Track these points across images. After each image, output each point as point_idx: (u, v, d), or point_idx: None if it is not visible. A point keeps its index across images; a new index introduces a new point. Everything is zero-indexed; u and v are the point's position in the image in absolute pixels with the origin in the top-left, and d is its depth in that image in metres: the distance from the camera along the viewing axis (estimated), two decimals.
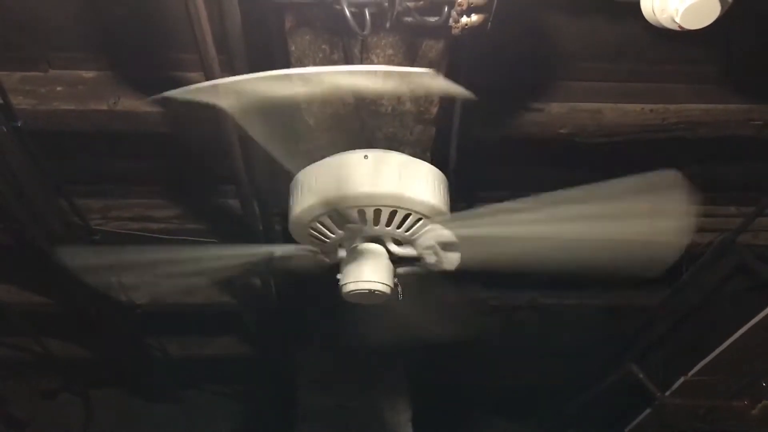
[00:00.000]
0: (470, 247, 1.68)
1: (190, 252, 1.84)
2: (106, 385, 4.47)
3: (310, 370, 3.33)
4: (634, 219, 1.52)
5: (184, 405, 4.51)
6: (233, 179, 2.17)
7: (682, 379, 3.48)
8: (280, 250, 1.83)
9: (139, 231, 2.63)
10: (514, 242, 1.58)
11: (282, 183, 1.79)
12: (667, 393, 3.62)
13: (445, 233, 1.64)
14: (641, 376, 3.65)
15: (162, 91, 2.00)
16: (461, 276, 1.93)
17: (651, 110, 2.15)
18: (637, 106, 2.14)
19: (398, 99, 1.66)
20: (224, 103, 1.33)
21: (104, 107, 1.99)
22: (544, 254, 1.65)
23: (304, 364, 3.36)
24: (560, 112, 2.13)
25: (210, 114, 1.81)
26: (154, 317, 3.40)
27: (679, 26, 1.45)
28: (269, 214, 2.44)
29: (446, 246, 1.67)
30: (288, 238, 1.84)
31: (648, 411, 3.88)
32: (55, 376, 4.25)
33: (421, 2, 1.42)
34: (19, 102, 1.96)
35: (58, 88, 2.01)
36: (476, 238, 1.63)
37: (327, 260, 1.84)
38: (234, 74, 1.73)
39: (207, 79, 1.75)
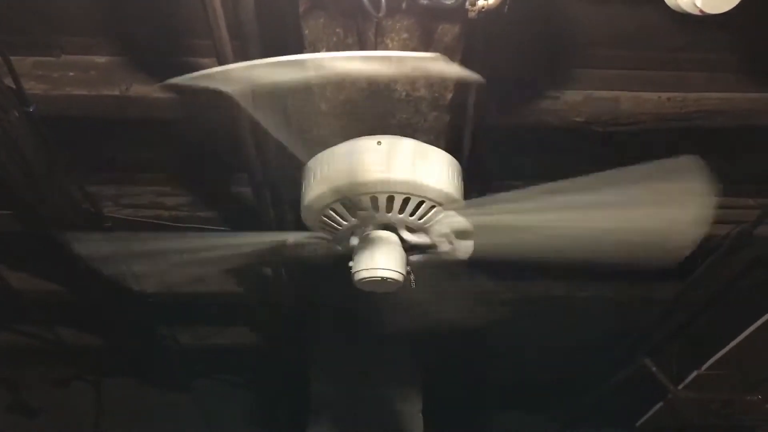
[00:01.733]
0: (484, 236, 1.66)
1: (202, 240, 1.84)
2: (118, 374, 4.49)
3: (322, 360, 3.32)
4: (649, 207, 1.50)
5: (196, 394, 4.52)
6: (245, 167, 2.15)
7: (695, 373, 3.45)
8: (292, 237, 1.82)
9: (151, 218, 2.63)
10: (528, 231, 1.56)
11: (294, 170, 1.77)
12: (680, 387, 3.60)
13: (460, 221, 1.62)
14: (654, 369, 3.63)
15: (174, 77, 1.99)
16: (472, 267, 1.92)
17: (669, 99, 2.11)
18: (655, 95, 2.11)
19: (412, 85, 1.64)
20: (234, 89, 1.31)
21: (116, 93, 1.99)
22: (557, 244, 1.63)
23: (316, 354, 3.35)
24: (576, 99, 2.10)
25: (222, 100, 1.81)
26: (165, 306, 3.40)
27: (700, 11, 1.42)
28: (281, 203, 2.43)
29: (460, 234, 1.66)
30: (300, 227, 1.83)
31: (660, 405, 3.87)
32: (67, 365, 4.27)
33: None
34: (31, 87, 1.96)
35: (71, 74, 2.00)
36: (490, 226, 1.62)
37: (339, 248, 1.82)
38: (248, 60, 1.73)
39: (220, 65, 1.73)
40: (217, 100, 1.85)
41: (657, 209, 1.50)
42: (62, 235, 2.53)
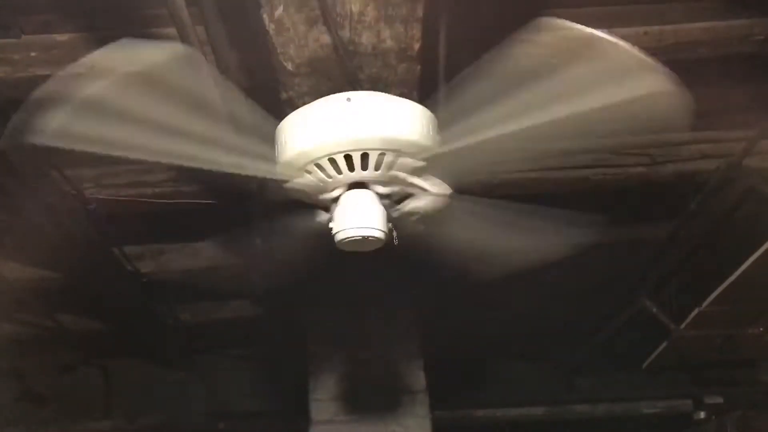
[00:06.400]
0: (455, 164, 1.62)
1: None
2: (123, 356, 4.52)
3: (320, 324, 3.33)
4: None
5: (202, 370, 4.55)
6: None
7: (696, 311, 3.45)
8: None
9: (135, 197, 2.60)
10: (501, 142, 1.48)
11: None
12: (682, 326, 3.60)
13: (408, 160, 1.58)
14: (655, 310, 3.63)
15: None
16: (463, 219, 1.89)
17: (645, 33, 2.06)
18: (631, 30, 2.05)
19: (378, 36, 1.59)
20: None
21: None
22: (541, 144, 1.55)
23: (314, 319, 3.35)
24: (550, 42, 2.05)
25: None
26: (161, 285, 3.40)
27: None
28: None
29: (419, 171, 1.62)
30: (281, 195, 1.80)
31: (664, 345, 3.88)
32: (72, 350, 4.29)
33: None
34: None
35: (33, 54, 1.96)
36: (456, 150, 1.56)
37: (318, 211, 1.80)
38: (206, 26, 1.69)
39: (179, 34, 1.69)
40: None
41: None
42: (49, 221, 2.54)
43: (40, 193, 2.44)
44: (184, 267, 3.29)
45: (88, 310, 3.79)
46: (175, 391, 4.52)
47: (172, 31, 1.84)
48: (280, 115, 1.66)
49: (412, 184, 1.65)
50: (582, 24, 2.06)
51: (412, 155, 1.59)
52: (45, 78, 1.93)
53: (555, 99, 1.37)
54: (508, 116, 1.41)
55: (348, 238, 1.65)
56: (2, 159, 2.21)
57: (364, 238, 1.65)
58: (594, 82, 1.34)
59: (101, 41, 1.94)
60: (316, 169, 1.62)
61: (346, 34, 1.57)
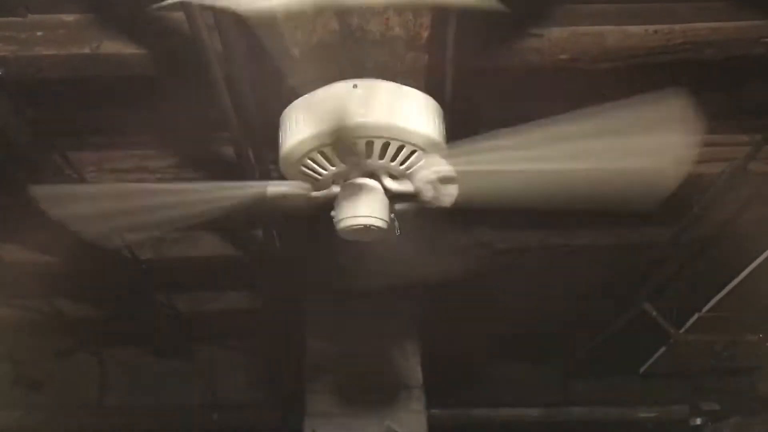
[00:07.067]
0: (468, 181, 1.63)
1: (179, 194, 1.80)
2: (120, 344, 4.51)
3: (318, 319, 3.32)
4: (634, 145, 1.48)
5: (199, 361, 4.53)
6: (224, 124, 2.11)
7: (696, 316, 3.44)
8: (271, 187, 1.78)
9: (137, 182, 2.59)
10: (512, 175, 1.56)
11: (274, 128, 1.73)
12: (682, 330, 3.59)
13: (444, 167, 1.59)
14: (655, 314, 3.62)
15: (144, 34, 1.95)
16: (465, 218, 1.88)
17: (655, 31, 2.04)
18: (641, 28, 2.04)
19: (386, 23, 1.58)
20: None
21: (87, 51, 1.93)
22: (541, 187, 1.61)
23: (311, 313, 3.34)
24: (560, 36, 2.04)
25: (193, 54, 1.77)
26: (160, 273, 3.38)
27: None
28: (265, 161, 2.39)
29: (444, 180, 1.62)
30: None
31: (663, 350, 3.87)
32: (68, 336, 4.28)
33: None
34: None
35: (38, 33, 1.94)
36: (474, 172, 1.58)
37: (320, 198, 1.79)
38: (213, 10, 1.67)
39: (187, 18, 1.69)
40: (188, 51, 1.82)
41: (641, 147, 1.48)
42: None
43: (40, 175, 2.42)
44: (182, 255, 3.28)
45: (86, 297, 3.78)
46: (170, 380, 4.50)
47: (180, 15, 1.84)
48: (285, 101, 1.66)
49: (426, 183, 1.64)
50: (592, 20, 2.07)
51: (417, 147, 1.58)
52: (51, 58, 1.96)
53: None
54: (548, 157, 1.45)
55: (350, 225, 1.65)
56: (3, 140, 2.20)
57: (366, 227, 1.65)
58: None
59: (108, 22, 1.95)
60: (319, 156, 1.61)
61: (354, 20, 1.56)
